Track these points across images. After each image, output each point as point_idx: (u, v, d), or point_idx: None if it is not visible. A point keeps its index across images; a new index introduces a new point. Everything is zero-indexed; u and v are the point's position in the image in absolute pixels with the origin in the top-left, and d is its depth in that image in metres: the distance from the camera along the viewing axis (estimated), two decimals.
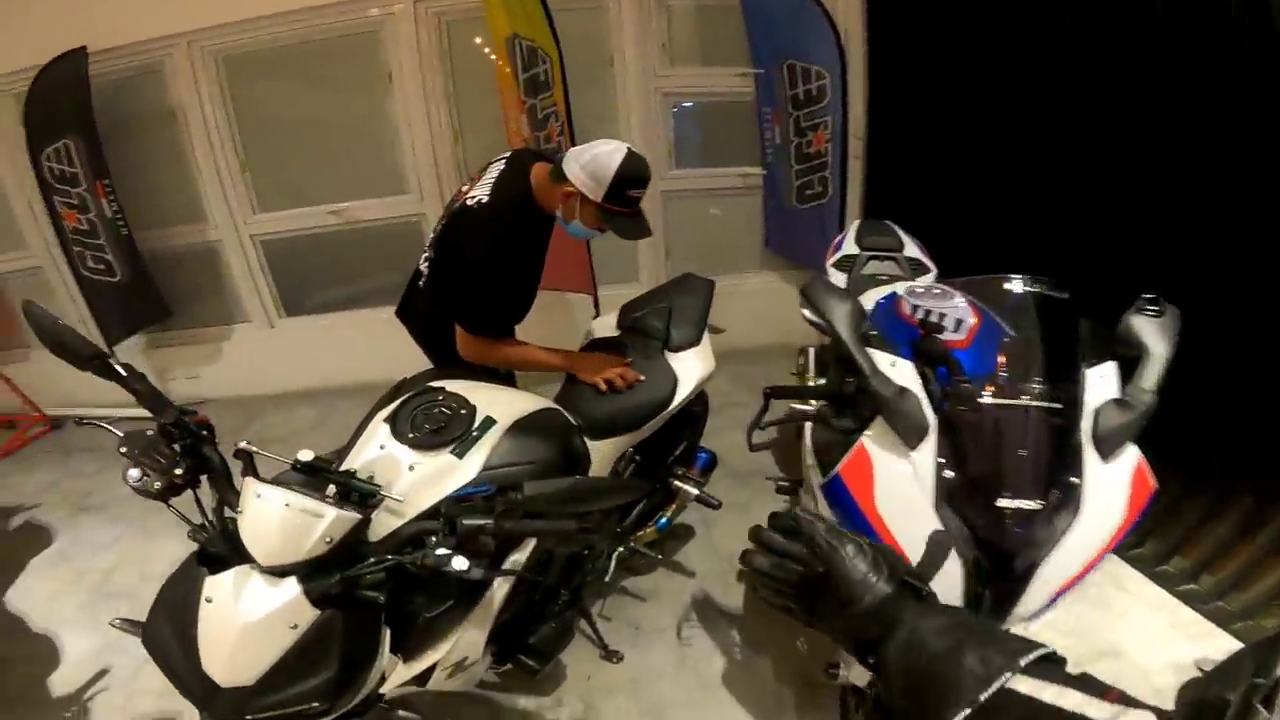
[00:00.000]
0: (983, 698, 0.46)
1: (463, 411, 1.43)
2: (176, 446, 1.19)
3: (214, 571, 1.10)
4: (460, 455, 1.36)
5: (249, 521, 1.08)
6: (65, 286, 3.69)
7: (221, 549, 1.14)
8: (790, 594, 0.66)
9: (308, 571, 1.07)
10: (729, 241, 4.04)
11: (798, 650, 1.94)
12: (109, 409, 3.89)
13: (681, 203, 3.92)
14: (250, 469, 1.20)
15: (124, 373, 1.23)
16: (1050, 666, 0.49)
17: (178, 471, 1.17)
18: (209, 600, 1.07)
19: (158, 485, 1.15)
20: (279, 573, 1.07)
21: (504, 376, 2.04)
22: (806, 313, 1.48)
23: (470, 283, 1.79)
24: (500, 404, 1.51)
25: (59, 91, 3.20)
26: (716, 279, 2.27)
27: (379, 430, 1.40)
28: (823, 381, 1.91)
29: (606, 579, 2.13)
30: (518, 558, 1.44)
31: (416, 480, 1.31)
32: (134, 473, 1.15)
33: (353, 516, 1.10)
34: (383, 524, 1.23)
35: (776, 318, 3.54)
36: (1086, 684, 0.47)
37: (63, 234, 3.36)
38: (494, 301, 1.84)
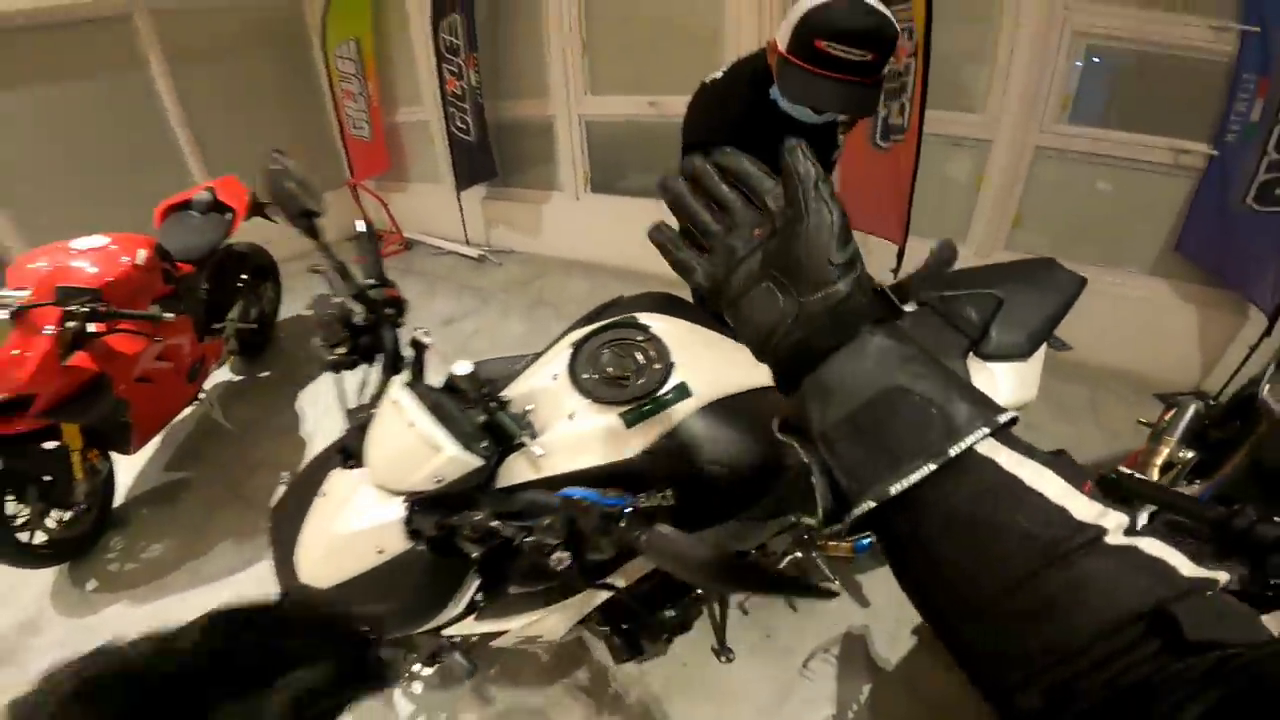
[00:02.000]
0: (952, 451, 0.36)
1: (656, 366, 1.07)
2: (358, 322, 1.12)
3: (346, 464, 1.04)
4: (629, 423, 1.02)
5: (375, 428, 0.99)
6: (440, 139, 4.44)
7: (356, 442, 1.05)
8: (718, 259, 0.45)
9: (420, 500, 0.97)
10: (1117, 227, 2.98)
11: None
12: (448, 242, 4.85)
13: (1061, 165, 2.96)
14: (418, 365, 1.11)
15: (322, 239, 1.20)
16: (1015, 437, 0.38)
17: (340, 350, 1.10)
18: (323, 494, 1.03)
19: (328, 356, 1.11)
20: (392, 491, 0.98)
21: None
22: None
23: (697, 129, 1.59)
24: (707, 369, 1.10)
25: None
26: (1085, 271, 1.63)
27: (560, 355, 1.12)
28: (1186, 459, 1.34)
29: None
30: (635, 568, 1.20)
31: (569, 434, 1.03)
32: (315, 337, 1.13)
33: (471, 462, 0.95)
34: (516, 469, 1.04)
35: (1152, 340, 2.72)
36: (1063, 466, 0.37)
37: (445, 96, 3.99)
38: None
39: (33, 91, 3.58)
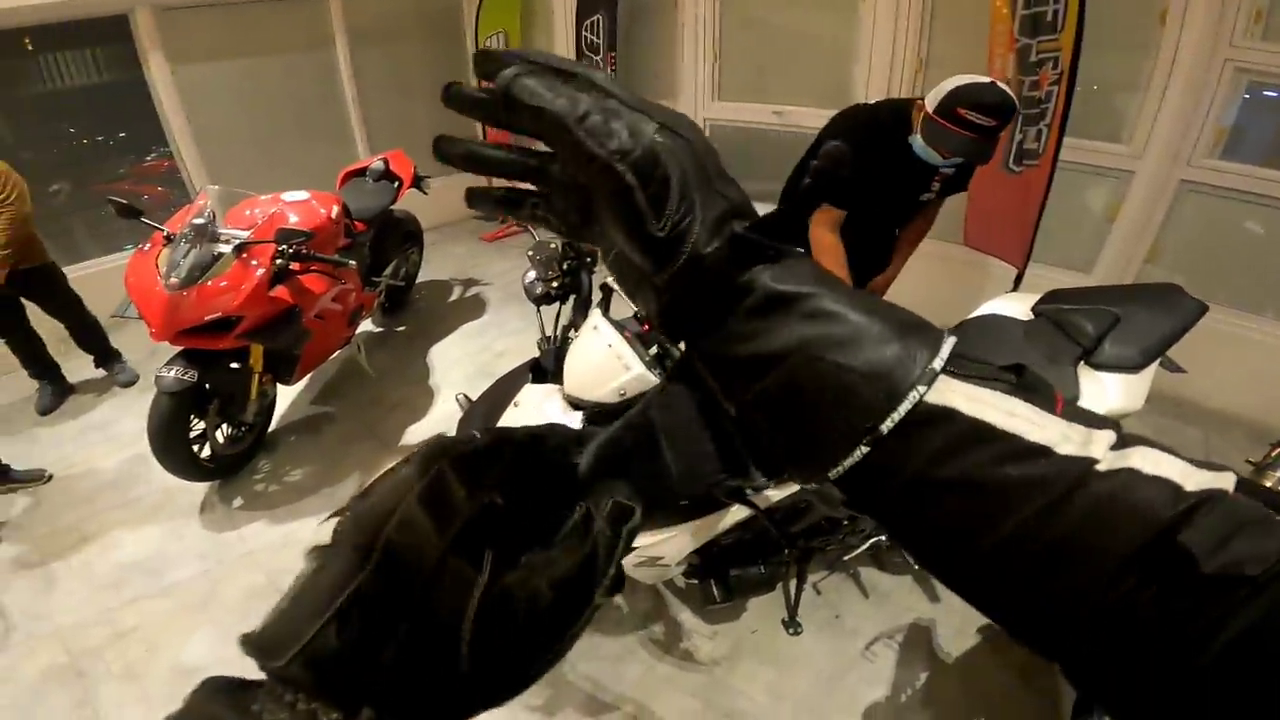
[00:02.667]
0: (890, 422, 0.28)
1: None
2: (565, 265, 1.38)
3: (536, 381, 1.26)
4: None
5: (576, 346, 1.20)
6: None
7: (549, 363, 1.30)
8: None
9: (595, 416, 1.16)
10: (1259, 270, 2.86)
11: None
12: None
13: (1208, 201, 2.87)
14: (606, 304, 1.32)
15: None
16: (963, 359, 0.31)
17: (555, 285, 1.36)
18: (516, 405, 1.23)
19: (538, 291, 1.38)
20: (574, 404, 1.19)
21: None
22: None
23: (817, 153, 2.04)
24: None
25: None
26: (1218, 311, 1.77)
27: None
28: None
29: (846, 557, 1.99)
30: (775, 495, 1.37)
31: None
32: (530, 274, 1.38)
33: (652, 380, 1.14)
34: None
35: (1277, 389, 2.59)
36: (1027, 388, 0.30)
37: None
38: (824, 174, 2.01)
39: (233, 64, 4.15)
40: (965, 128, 1.74)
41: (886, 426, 0.28)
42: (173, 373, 2.34)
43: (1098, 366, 1.51)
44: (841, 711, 1.81)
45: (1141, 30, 2.76)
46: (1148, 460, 0.27)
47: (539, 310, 1.41)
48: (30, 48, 3.54)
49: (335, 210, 2.91)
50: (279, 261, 2.45)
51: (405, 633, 0.26)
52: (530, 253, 1.40)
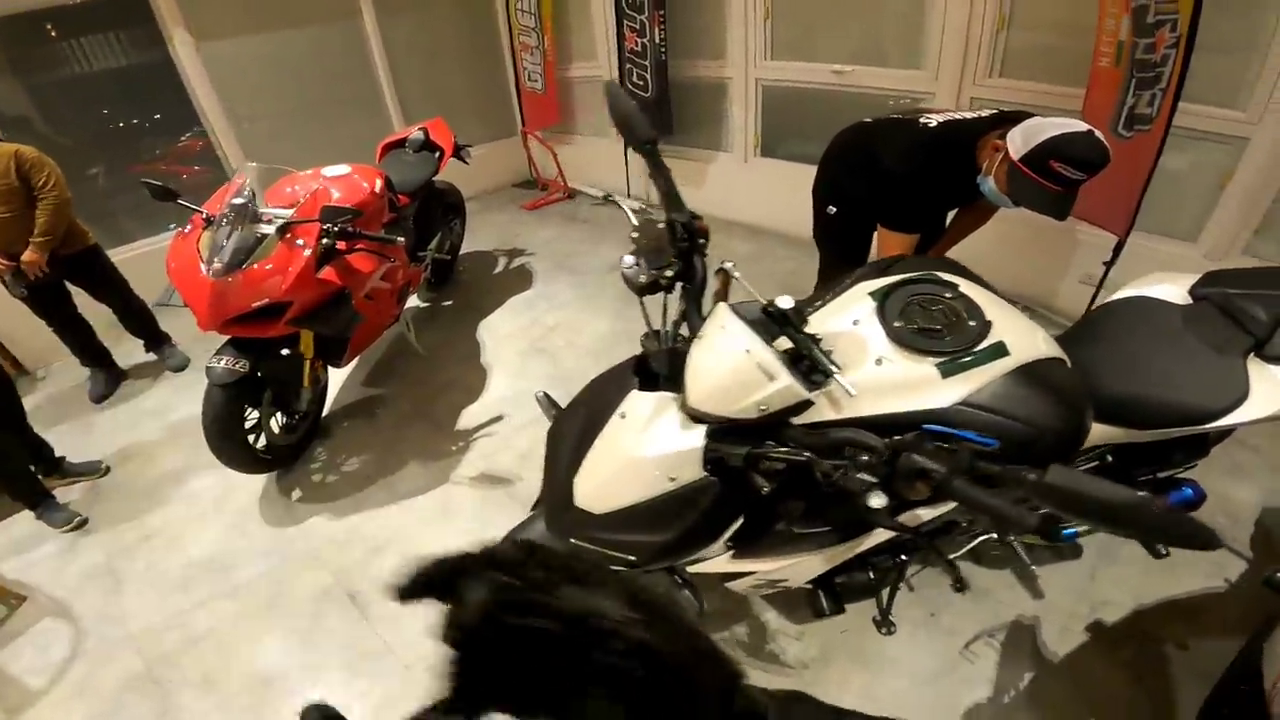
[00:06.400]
0: None
1: (971, 323, 1.11)
2: (677, 248, 1.14)
3: (644, 387, 1.06)
4: (945, 374, 1.06)
5: (702, 351, 1.00)
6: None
7: (661, 366, 1.09)
8: None
9: (719, 430, 0.99)
10: None
11: None
12: (609, 192, 4.99)
13: None
14: (723, 293, 1.14)
15: (663, 164, 1.20)
16: None
17: (668, 273, 1.11)
18: (622, 416, 1.05)
19: (643, 279, 1.11)
20: (693, 416, 1.00)
21: None
22: None
23: (878, 186, 1.98)
24: (1017, 331, 1.15)
25: None
26: None
27: (859, 303, 1.15)
28: None
29: (953, 556, 1.81)
30: (924, 514, 1.21)
31: (879, 377, 1.06)
32: (629, 259, 1.13)
33: (801, 393, 0.96)
34: (815, 407, 1.03)
35: None
36: None
37: (622, 52, 4.06)
38: (902, 202, 1.98)
39: (260, 38, 3.98)
40: (1056, 181, 1.60)
41: None
42: (223, 363, 2.26)
43: (1272, 360, 1.32)
44: (941, 714, 1.70)
45: None
46: None
47: (642, 301, 1.18)
48: (54, 34, 3.44)
49: (379, 184, 2.78)
50: (325, 241, 2.32)
51: None
52: (634, 234, 1.16)
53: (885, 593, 1.81)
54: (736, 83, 4.06)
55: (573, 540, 1.11)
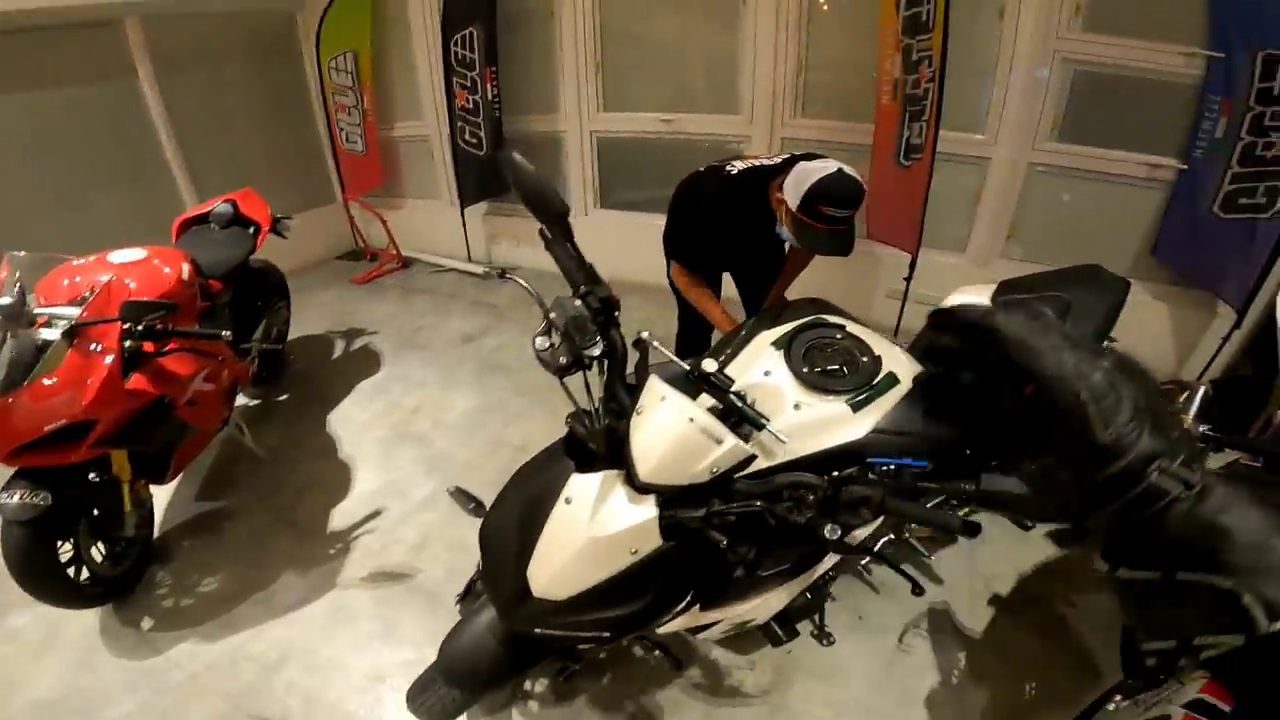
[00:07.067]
0: None
1: (865, 359, 1.28)
2: (595, 324, 1.11)
3: (581, 469, 1.04)
4: (856, 409, 1.21)
5: (645, 425, 0.99)
6: (441, 153, 4.39)
7: (597, 444, 1.06)
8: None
9: (669, 497, 0.99)
10: (1099, 235, 3.31)
11: (1025, 694, 1.74)
12: (448, 259, 4.78)
13: (1050, 180, 3.28)
14: (644, 363, 1.14)
15: (573, 238, 1.21)
16: None
17: (594, 351, 1.09)
18: (568, 501, 1.02)
19: (563, 360, 1.09)
20: (640, 488, 0.99)
21: None
22: None
23: (672, 213, 2.14)
24: (899, 361, 1.33)
25: None
26: None
27: (765, 354, 1.28)
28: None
29: (863, 563, 1.99)
30: (863, 534, 1.34)
31: (801, 421, 1.18)
32: (541, 340, 1.11)
33: (747, 451, 0.99)
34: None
35: (1131, 336, 2.83)
36: None
37: (453, 110, 3.97)
38: (679, 239, 2.14)
39: (10, 100, 3.31)
40: (828, 223, 1.74)
41: None
42: (17, 498, 1.79)
43: None
44: (904, 706, 1.80)
45: (985, 25, 3.08)
46: None
47: (563, 381, 1.14)
48: None
49: (185, 269, 2.37)
50: (129, 344, 1.92)
51: None
52: (551, 314, 1.13)
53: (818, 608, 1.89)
54: (572, 136, 4.16)
55: (538, 630, 1.06)
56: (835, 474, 0.99)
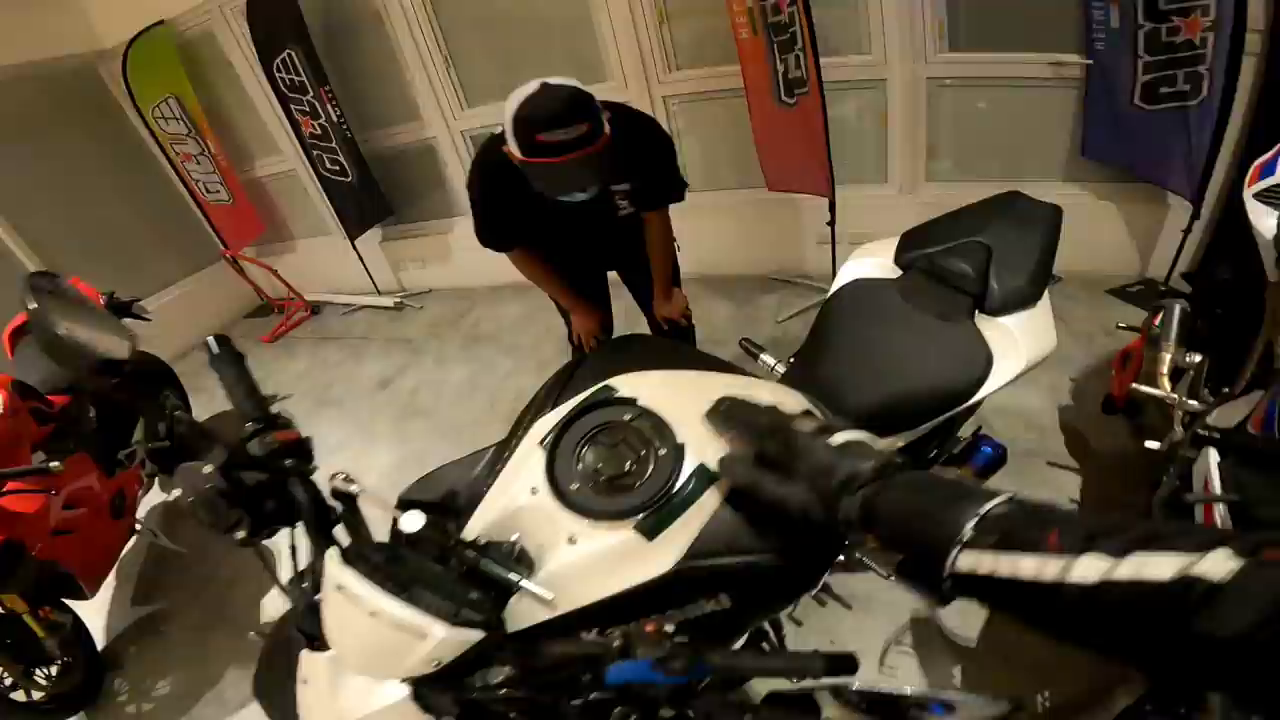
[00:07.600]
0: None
1: (663, 451, 0.88)
2: (250, 484, 0.86)
3: (312, 645, 0.81)
4: (651, 535, 0.84)
5: (331, 620, 0.78)
6: (314, 186, 4.05)
7: (310, 626, 0.80)
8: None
9: (426, 680, 0.76)
10: (1023, 143, 3.09)
11: (1038, 705, 1.52)
12: (358, 296, 4.49)
13: (955, 92, 3.04)
14: (353, 519, 0.89)
15: (242, 362, 0.99)
16: (1009, 514, 0.52)
17: (239, 534, 0.83)
18: (304, 681, 0.82)
19: (240, 535, 0.84)
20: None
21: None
22: None
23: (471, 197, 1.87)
24: (716, 443, 0.92)
25: (273, 4, 3.27)
26: (1004, 187, 1.59)
27: (532, 459, 0.92)
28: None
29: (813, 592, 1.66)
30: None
31: (577, 562, 0.84)
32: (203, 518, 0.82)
33: (470, 637, 0.73)
34: (527, 608, 0.82)
35: (1085, 241, 2.64)
36: (1038, 521, 0.50)
37: (302, 139, 3.63)
38: (479, 217, 1.90)
39: None
40: (558, 152, 1.40)
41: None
42: None
43: (994, 313, 1.31)
44: None
45: None
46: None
47: (249, 546, 0.88)
48: None
49: (2, 398, 2.08)
50: None
51: None
52: (180, 489, 0.83)
53: (771, 636, 1.51)
54: (442, 140, 3.84)
55: None
56: (629, 627, 0.73)
